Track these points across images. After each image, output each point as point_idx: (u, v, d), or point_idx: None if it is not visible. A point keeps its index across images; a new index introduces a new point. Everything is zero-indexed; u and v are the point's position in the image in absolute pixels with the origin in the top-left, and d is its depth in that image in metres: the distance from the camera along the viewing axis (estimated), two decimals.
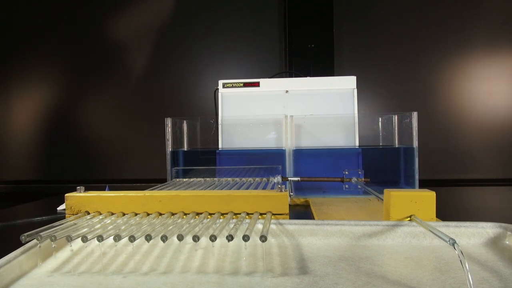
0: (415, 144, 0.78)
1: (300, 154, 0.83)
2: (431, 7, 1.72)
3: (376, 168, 0.82)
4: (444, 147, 1.72)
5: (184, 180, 0.75)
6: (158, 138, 1.73)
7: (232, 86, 0.96)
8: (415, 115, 0.79)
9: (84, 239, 0.35)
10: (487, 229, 0.44)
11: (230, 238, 0.33)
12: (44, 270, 0.37)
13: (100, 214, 0.49)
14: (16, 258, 0.36)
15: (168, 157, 0.86)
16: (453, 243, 0.32)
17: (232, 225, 0.40)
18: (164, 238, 0.35)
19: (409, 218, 0.47)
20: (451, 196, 0.88)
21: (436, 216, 0.48)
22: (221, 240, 0.45)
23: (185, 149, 0.92)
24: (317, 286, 0.32)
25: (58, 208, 0.75)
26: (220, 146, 0.92)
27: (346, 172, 0.77)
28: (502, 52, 1.68)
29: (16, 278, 0.35)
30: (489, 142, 1.69)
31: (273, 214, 0.48)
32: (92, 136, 1.89)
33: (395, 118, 0.87)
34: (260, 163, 0.81)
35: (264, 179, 0.72)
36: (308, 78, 0.96)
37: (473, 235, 0.44)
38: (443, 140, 1.72)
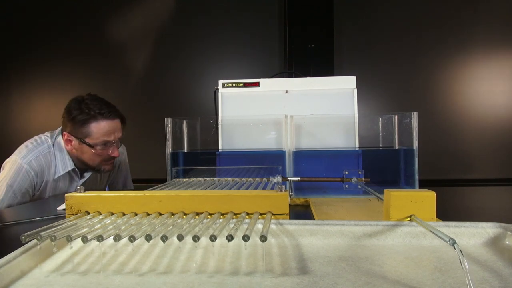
0: (415, 144, 0.78)
1: (300, 155, 0.83)
2: (431, 7, 1.72)
3: (376, 168, 0.82)
4: (444, 147, 1.72)
5: (184, 180, 0.75)
6: (158, 138, 1.73)
7: (232, 86, 0.96)
8: (415, 115, 0.79)
9: (84, 239, 0.35)
10: (487, 229, 0.44)
11: (230, 238, 0.33)
12: (44, 270, 0.37)
13: (100, 214, 0.49)
14: (16, 258, 0.36)
15: (168, 157, 0.86)
16: (453, 243, 0.32)
17: (232, 225, 0.40)
18: (164, 238, 0.35)
19: (409, 218, 0.47)
20: (451, 196, 0.88)
21: (436, 216, 0.48)
22: (221, 240, 0.45)
23: (185, 151, 0.92)
24: (317, 286, 0.32)
25: (58, 208, 0.75)
26: (220, 146, 0.92)
27: (346, 172, 0.77)
28: (502, 52, 1.68)
29: (16, 278, 0.35)
30: (489, 142, 1.69)
31: (273, 214, 0.48)
32: None
33: (395, 118, 0.87)
34: (260, 164, 0.81)
35: (264, 179, 0.72)
36: (308, 78, 0.96)
37: (473, 235, 0.44)
38: (443, 140, 1.72)
